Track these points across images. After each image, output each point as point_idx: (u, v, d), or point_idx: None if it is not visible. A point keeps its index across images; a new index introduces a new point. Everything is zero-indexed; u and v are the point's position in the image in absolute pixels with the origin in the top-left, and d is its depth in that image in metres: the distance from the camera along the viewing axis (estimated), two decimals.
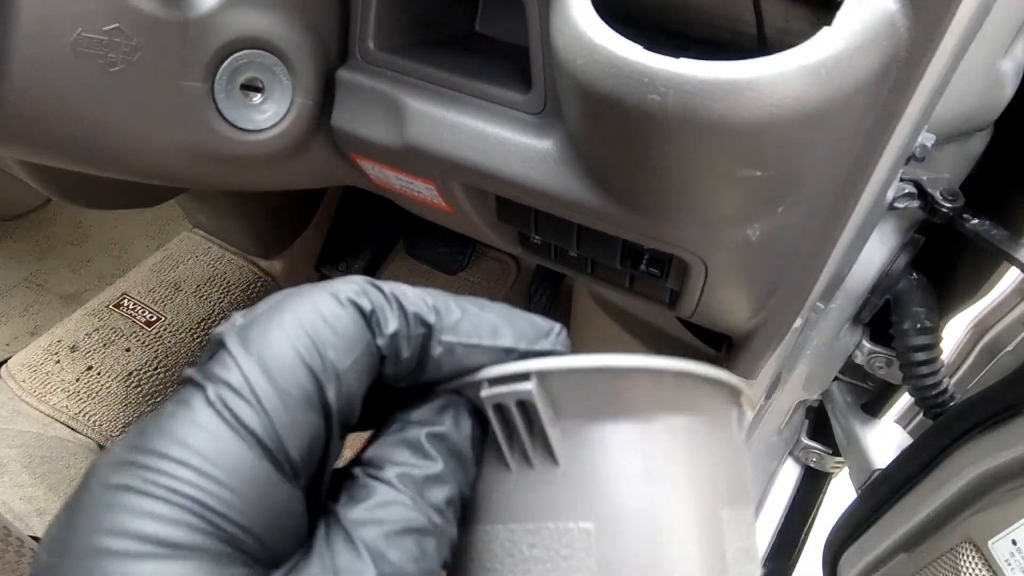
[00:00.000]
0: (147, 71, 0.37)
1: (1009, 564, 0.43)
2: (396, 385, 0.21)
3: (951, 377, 0.65)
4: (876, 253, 0.55)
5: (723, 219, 0.35)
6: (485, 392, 0.21)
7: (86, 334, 1.05)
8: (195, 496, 0.17)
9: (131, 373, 1.02)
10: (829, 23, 0.27)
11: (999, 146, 0.50)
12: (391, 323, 0.20)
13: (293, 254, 1.21)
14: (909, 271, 0.57)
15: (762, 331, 0.46)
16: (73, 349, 1.03)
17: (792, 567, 0.88)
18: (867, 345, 0.65)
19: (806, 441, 0.85)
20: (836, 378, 0.72)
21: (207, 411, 0.18)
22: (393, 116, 0.42)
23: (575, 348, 0.22)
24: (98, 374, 1.00)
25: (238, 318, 0.20)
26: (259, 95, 0.41)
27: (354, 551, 0.18)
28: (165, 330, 1.07)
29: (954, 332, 0.64)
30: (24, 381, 0.98)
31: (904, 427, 0.72)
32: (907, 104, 0.31)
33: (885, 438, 0.70)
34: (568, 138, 0.37)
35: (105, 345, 1.04)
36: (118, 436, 0.96)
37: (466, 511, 0.22)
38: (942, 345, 0.56)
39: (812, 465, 0.87)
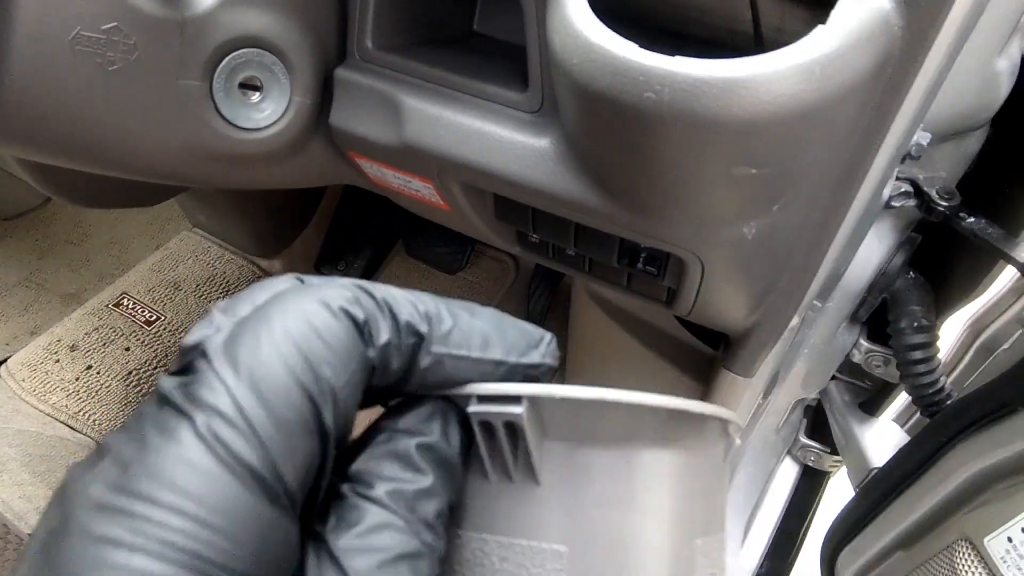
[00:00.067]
0: (146, 70, 0.37)
1: (1005, 561, 0.43)
2: (377, 392, 0.21)
3: (948, 376, 0.65)
4: (873, 252, 0.55)
5: (719, 217, 0.35)
6: (473, 408, 0.20)
7: (86, 333, 1.05)
8: (190, 548, 0.15)
9: (131, 372, 1.02)
10: (824, 22, 0.28)
11: (995, 145, 0.50)
12: (383, 333, 0.19)
13: (293, 254, 1.21)
14: (906, 270, 0.57)
15: (759, 329, 0.46)
16: (73, 348, 1.03)
17: (790, 566, 0.89)
18: (864, 344, 0.65)
19: (804, 440, 0.85)
20: (834, 377, 0.72)
21: (198, 446, 0.16)
22: (391, 115, 0.42)
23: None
24: (98, 373, 1.00)
25: (218, 317, 0.19)
26: (257, 94, 0.41)
27: None
28: (165, 329, 1.07)
29: (951, 331, 0.64)
30: (24, 380, 0.98)
31: (902, 426, 0.72)
32: (902, 102, 0.31)
33: (883, 437, 0.70)
34: (565, 136, 0.37)
35: (105, 344, 1.04)
36: None
37: None
38: (939, 344, 0.57)
39: (810, 464, 0.87)
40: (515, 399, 0.20)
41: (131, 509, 0.15)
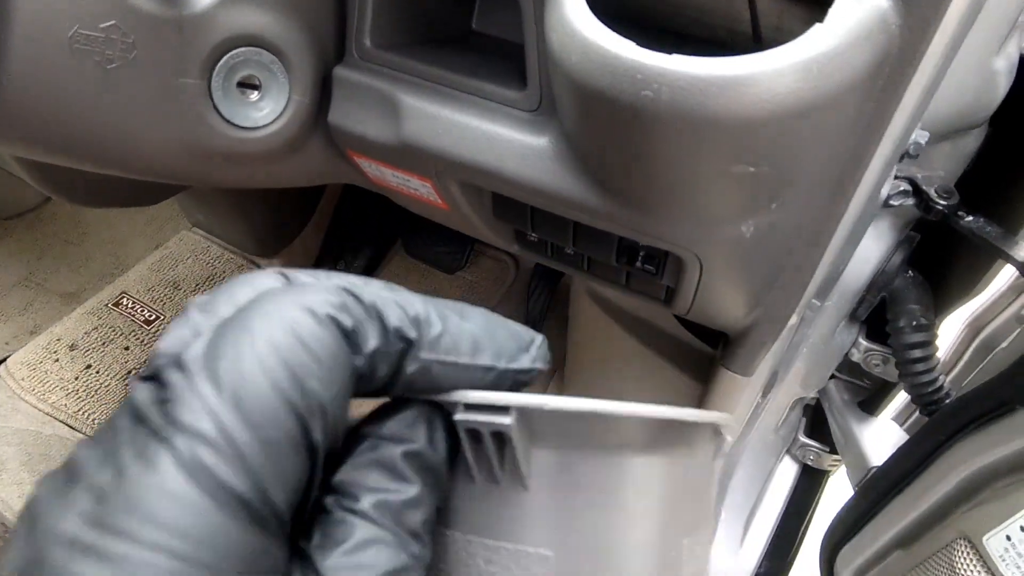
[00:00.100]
0: (144, 68, 0.37)
1: (1004, 560, 0.43)
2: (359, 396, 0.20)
3: (947, 374, 0.65)
4: (872, 250, 0.55)
5: (717, 215, 0.35)
6: (460, 416, 0.20)
7: (85, 333, 1.05)
8: None
9: (130, 372, 1.02)
10: (822, 20, 0.28)
11: (994, 143, 0.50)
12: (371, 340, 0.18)
13: (292, 253, 1.21)
14: (905, 269, 0.57)
15: (758, 328, 0.46)
16: (72, 348, 1.03)
17: (789, 565, 0.89)
18: (863, 343, 0.65)
19: (803, 439, 0.85)
20: (833, 376, 0.72)
21: (180, 476, 0.15)
22: (389, 113, 0.42)
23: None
24: (97, 372, 1.00)
25: (196, 316, 0.18)
26: (256, 93, 0.41)
27: None
28: (164, 329, 1.07)
29: (950, 329, 0.64)
30: (23, 379, 0.98)
31: (901, 425, 0.72)
32: (900, 101, 0.31)
33: (882, 436, 0.70)
34: (563, 135, 0.37)
35: (104, 344, 1.04)
36: None
37: None
38: (938, 343, 0.57)
39: (809, 463, 0.87)
40: (503, 409, 0.19)
41: (111, 550, 0.14)
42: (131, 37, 0.36)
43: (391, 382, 0.19)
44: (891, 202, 0.48)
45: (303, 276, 0.20)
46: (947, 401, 0.56)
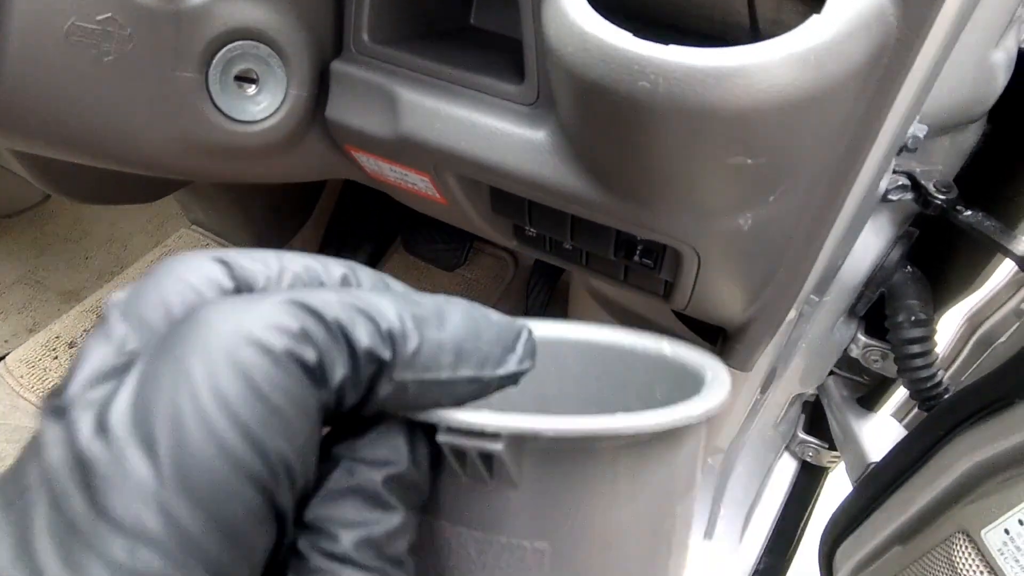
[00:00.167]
0: (141, 61, 0.37)
1: (1002, 553, 0.43)
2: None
3: (946, 369, 0.65)
4: (870, 246, 0.55)
5: (714, 208, 0.35)
6: (443, 438, 0.18)
7: (84, 330, 1.05)
8: None
9: None
10: (819, 11, 0.28)
11: (992, 138, 0.50)
12: (339, 371, 0.15)
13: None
14: (903, 264, 0.57)
15: (756, 323, 0.46)
16: (71, 345, 1.03)
17: (789, 561, 0.89)
18: (862, 339, 0.65)
19: (802, 435, 0.85)
20: (832, 372, 0.72)
21: None
22: (387, 108, 0.42)
23: None
24: None
25: (118, 328, 0.15)
26: (253, 86, 0.41)
27: None
28: None
29: (949, 324, 0.64)
30: (22, 377, 0.98)
31: (900, 421, 0.72)
32: (897, 92, 0.31)
33: (881, 432, 0.70)
34: (561, 128, 0.37)
35: None
36: None
37: None
38: (937, 338, 0.57)
39: (808, 459, 0.87)
40: (494, 436, 0.18)
41: None
42: (128, 30, 0.36)
43: (360, 407, 0.17)
44: (890, 196, 0.48)
45: (245, 262, 0.17)
46: (946, 396, 0.56)
